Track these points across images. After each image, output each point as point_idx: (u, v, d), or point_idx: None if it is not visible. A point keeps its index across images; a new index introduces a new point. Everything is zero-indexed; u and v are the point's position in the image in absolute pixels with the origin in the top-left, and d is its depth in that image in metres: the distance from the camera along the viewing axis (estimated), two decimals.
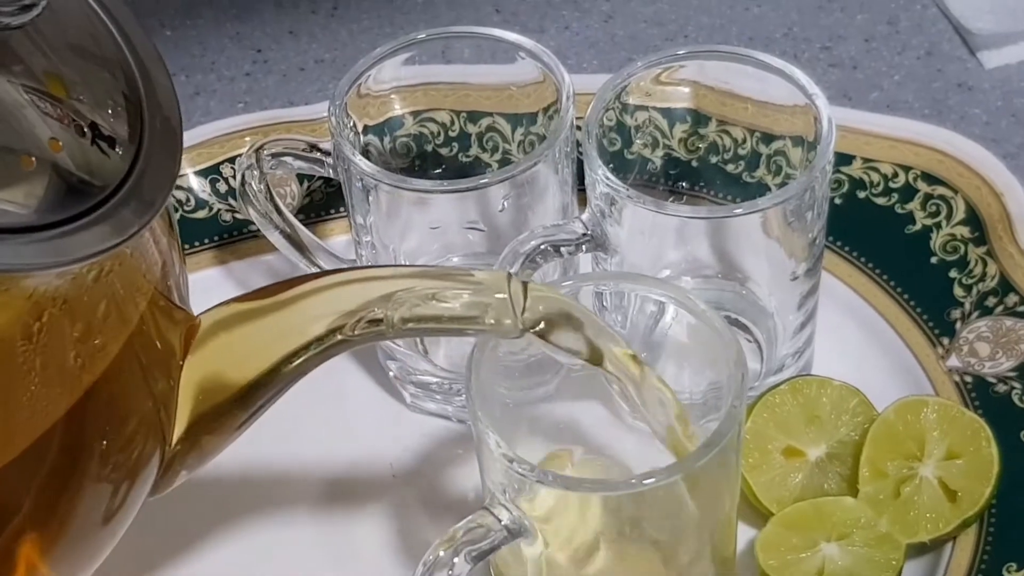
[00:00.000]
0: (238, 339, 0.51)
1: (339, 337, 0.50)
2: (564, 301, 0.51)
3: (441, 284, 0.51)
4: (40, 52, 0.44)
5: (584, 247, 0.60)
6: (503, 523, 0.52)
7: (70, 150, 0.43)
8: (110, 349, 0.47)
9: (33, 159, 0.42)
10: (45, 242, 0.41)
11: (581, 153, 0.59)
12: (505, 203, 0.60)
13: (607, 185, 0.57)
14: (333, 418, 0.66)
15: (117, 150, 0.45)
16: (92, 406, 0.47)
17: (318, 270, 0.65)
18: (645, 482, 0.49)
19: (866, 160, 0.69)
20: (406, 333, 0.51)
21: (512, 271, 0.58)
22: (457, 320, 0.51)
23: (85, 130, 0.44)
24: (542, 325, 0.51)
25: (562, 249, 0.59)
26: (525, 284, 0.51)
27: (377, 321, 0.50)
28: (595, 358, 0.52)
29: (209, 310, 0.52)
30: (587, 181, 0.59)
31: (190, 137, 0.72)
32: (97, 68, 0.46)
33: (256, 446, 0.64)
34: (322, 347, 0.51)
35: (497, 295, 0.50)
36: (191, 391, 0.51)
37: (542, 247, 0.59)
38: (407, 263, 0.64)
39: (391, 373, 0.66)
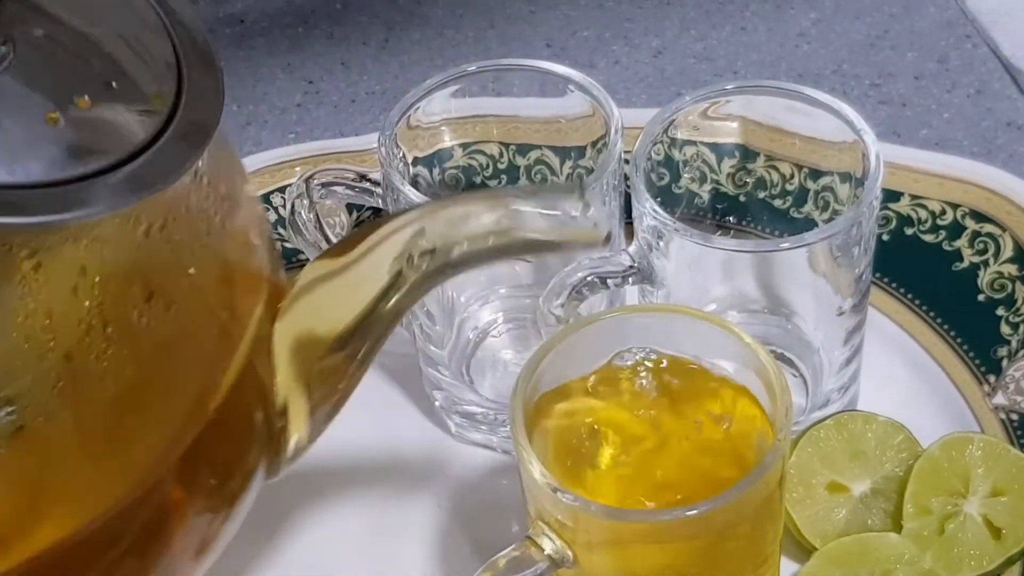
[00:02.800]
0: (322, 296, 0.51)
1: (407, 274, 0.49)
2: None
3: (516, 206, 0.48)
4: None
5: (631, 279, 0.60)
6: (546, 552, 0.52)
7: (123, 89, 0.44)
8: (184, 306, 0.47)
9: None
10: (125, 179, 0.42)
11: (628, 186, 0.60)
12: None
13: (655, 218, 0.57)
14: (379, 447, 0.66)
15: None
16: (175, 372, 0.47)
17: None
18: (688, 513, 0.49)
19: (914, 197, 0.69)
20: (479, 259, 0.49)
21: (558, 303, 0.58)
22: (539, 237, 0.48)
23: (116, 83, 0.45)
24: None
25: (609, 281, 0.60)
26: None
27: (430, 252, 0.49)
28: None
29: (295, 276, 0.52)
30: (634, 214, 0.59)
31: None
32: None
33: (301, 473, 0.65)
34: (403, 288, 0.49)
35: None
36: (287, 354, 0.51)
37: (589, 279, 0.59)
38: (454, 296, 0.64)
39: (436, 403, 0.66)
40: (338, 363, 0.51)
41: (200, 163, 0.47)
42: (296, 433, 0.53)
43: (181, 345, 0.48)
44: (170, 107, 0.45)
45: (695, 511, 0.49)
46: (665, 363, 0.56)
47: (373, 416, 0.67)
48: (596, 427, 0.56)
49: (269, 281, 0.52)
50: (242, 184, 0.52)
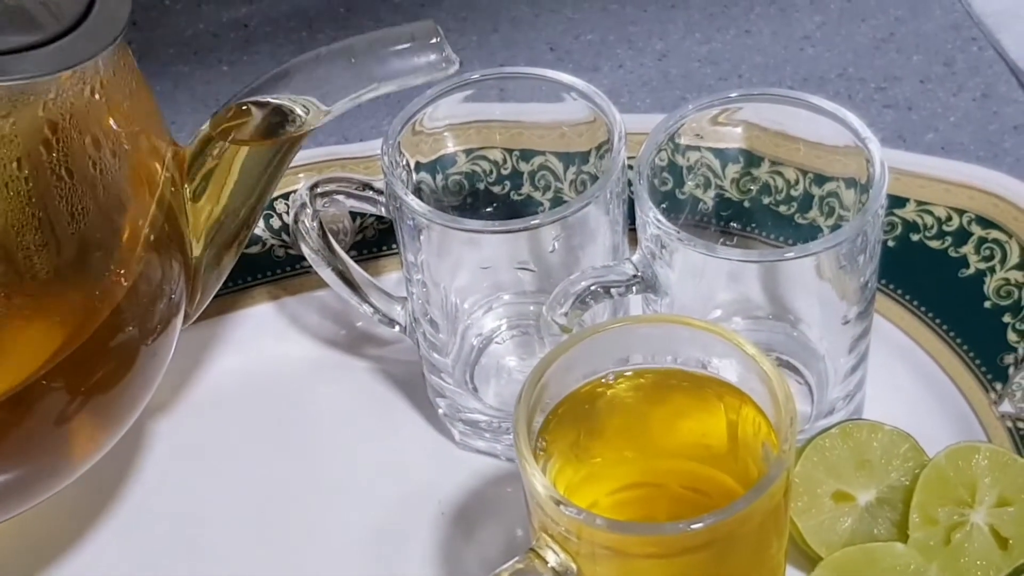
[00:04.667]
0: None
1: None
2: None
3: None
4: None
5: (634, 288, 0.60)
6: (550, 565, 0.52)
7: None
8: (122, 160, 0.56)
9: None
10: (56, 52, 0.51)
11: (632, 193, 0.59)
12: (556, 244, 0.60)
13: (658, 227, 0.57)
14: (382, 455, 0.66)
15: None
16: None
17: (369, 308, 0.66)
18: (693, 526, 0.49)
19: (920, 203, 0.68)
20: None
21: (562, 312, 0.58)
22: None
23: None
24: None
25: (612, 290, 0.59)
26: None
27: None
28: None
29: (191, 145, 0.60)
30: (638, 222, 0.59)
31: None
32: None
33: (303, 481, 0.65)
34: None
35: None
36: (196, 213, 0.60)
37: (592, 288, 0.59)
38: (458, 302, 0.64)
39: (440, 411, 0.66)
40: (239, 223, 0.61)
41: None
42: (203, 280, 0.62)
43: (116, 194, 0.56)
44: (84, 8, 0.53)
45: (700, 524, 0.49)
46: (669, 373, 0.56)
47: (377, 424, 0.67)
48: (600, 438, 0.55)
49: (174, 151, 0.60)
50: (138, 82, 0.59)
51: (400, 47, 0.58)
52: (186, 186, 0.60)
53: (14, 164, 0.52)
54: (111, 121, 0.56)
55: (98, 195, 0.55)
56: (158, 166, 0.58)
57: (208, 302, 0.63)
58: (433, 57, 0.57)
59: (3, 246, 0.52)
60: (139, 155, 0.57)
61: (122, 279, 0.56)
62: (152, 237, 0.57)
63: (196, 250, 0.60)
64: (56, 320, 0.55)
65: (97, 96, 0.55)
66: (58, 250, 0.54)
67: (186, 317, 0.62)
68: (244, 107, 0.60)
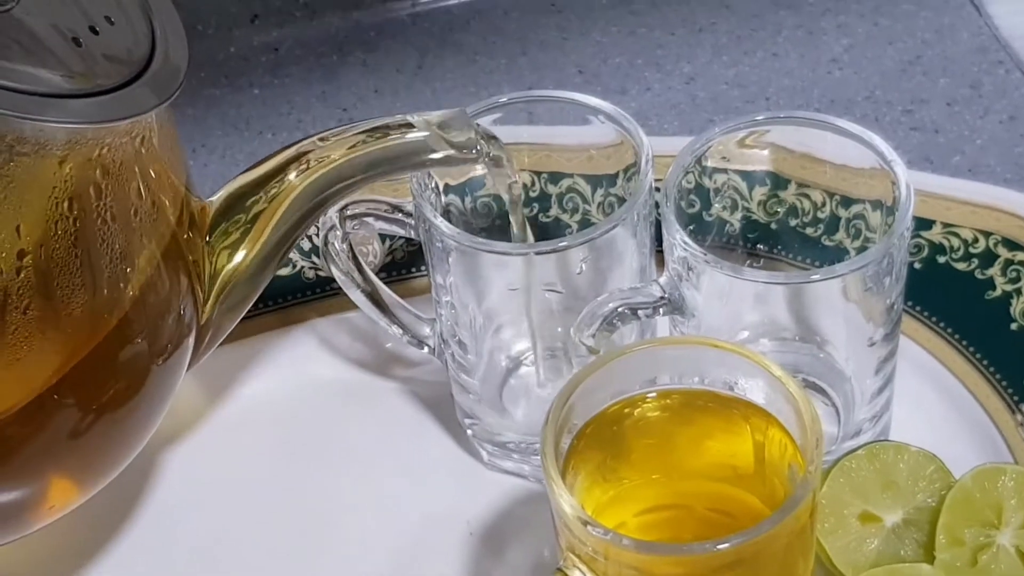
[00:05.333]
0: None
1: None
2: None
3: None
4: None
5: (661, 310, 0.60)
6: None
7: (107, 36, 0.53)
8: (158, 211, 0.57)
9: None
10: (115, 100, 0.51)
11: (659, 215, 0.60)
12: (583, 265, 0.60)
13: (685, 249, 0.58)
14: (412, 475, 0.66)
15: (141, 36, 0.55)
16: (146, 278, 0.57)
17: (398, 329, 0.66)
18: (719, 546, 0.49)
19: (946, 225, 0.69)
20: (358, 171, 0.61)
21: (589, 333, 0.59)
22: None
23: (113, 20, 0.54)
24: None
25: (639, 312, 0.60)
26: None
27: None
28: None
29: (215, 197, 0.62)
30: (665, 244, 0.59)
31: None
32: None
33: (334, 500, 0.66)
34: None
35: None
36: (211, 269, 0.61)
37: (620, 310, 0.59)
38: (486, 324, 0.65)
39: (469, 432, 0.66)
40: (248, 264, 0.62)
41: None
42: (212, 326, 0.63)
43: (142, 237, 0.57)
44: (147, 54, 0.54)
45: (726, 544, 0.49)
46: (696, 394, 0.56)
47: (406, 444, 0.68)
48: (627, 459, 0.56)
49: (198, 201, 0.61)
50: (175, 135, 0.61)
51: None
52: (208, 237, 0.61)
53: (65, 204, 0.52)
54: (151, 171, 0.57)
55: (133, 241, 0.56)
56: (186, 217, 0.59)
57: (216, 345, 0.64)
58: (465, 140, 0.60)
59: (43, 287, 0.53)
60: (172, 205, 0.58)
61: (141, 322, 0.58)
62: (172, 283, 0.59)
63: (209, 303, 0.61)
64: (66, 350, 0.55)
65: (143, 146, 0.56)
66: (93, 292, 0.54)
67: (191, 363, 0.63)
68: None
